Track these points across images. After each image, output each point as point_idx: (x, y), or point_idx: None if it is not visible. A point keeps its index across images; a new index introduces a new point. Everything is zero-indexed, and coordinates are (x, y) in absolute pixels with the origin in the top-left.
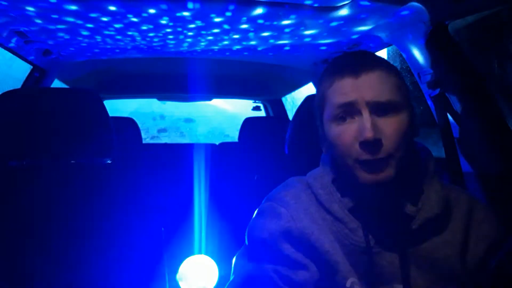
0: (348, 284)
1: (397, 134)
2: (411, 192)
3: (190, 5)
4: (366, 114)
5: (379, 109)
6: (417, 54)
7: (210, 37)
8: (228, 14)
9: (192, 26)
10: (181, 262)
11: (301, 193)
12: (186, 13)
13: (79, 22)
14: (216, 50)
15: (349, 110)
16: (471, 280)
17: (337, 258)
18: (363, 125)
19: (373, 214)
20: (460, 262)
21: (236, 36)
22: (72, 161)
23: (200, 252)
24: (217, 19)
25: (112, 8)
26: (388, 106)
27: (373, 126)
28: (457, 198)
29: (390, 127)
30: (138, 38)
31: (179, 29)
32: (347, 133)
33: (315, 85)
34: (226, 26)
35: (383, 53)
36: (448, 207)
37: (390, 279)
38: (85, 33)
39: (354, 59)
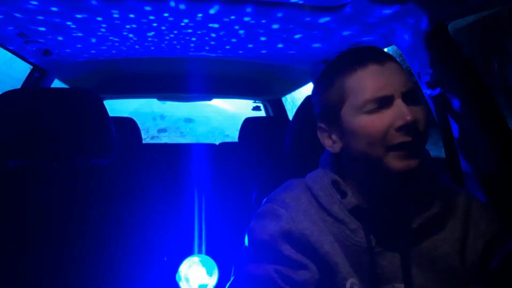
0: (348, 285)
1: (425, 121)
2: (411, 192)
3: (192, 7)
4: (400, 100)
5: (407, 96)
6: (417, 54)
7: (212, 38)
8: (230, 15)
9: (192, 26)
10: (181, 262)
11: (301, 195)
12: (188, 14)
13: (80, 22)
14: (216, 50)
15: (384, 101)
16: (471, 277)
17: (336, 259)
18: (401, 110)
19: (373, 215)
20: (459, 259)
21: (237, 37)
22: (72, 161)
23: (200, 252)
24: (219, 20)
25: (114, 9)
26: (414, 94)
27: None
28: (455, 196)
29: (419, 113)
30: (139, 38)
31: (180, 30)
32: (381, 121)
33: None
34: (227, 27)
35: None
36: (447, 205)
37: (391, 279)
38: (85, 33)
39: (369, 49)
